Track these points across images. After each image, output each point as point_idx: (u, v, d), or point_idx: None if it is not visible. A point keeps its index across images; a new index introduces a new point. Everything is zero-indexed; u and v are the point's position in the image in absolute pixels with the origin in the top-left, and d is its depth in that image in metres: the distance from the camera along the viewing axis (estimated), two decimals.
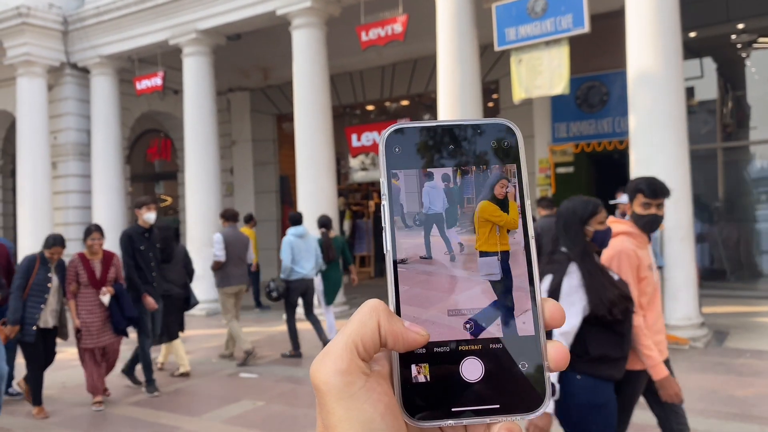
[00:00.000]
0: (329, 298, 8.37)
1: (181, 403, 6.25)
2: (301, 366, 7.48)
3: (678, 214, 8.04)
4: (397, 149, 0.49)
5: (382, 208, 0.48)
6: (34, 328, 5.85)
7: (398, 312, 0.46)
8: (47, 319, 5.96)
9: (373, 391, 0.43)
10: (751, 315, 9.66)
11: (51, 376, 6.68)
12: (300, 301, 7.94)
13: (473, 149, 0.49)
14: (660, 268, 8.02)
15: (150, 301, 6.50)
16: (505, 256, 0.47)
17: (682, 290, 8.01)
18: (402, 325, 0.44)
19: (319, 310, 8.68)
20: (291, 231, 7.83)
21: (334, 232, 8.90)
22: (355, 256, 16.78)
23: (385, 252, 0.47)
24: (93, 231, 6.12)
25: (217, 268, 7.89)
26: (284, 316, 8.20)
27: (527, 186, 0.49)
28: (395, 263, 0.47)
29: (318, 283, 8.22)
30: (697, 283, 8.33)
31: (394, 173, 0.48)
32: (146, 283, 6.55)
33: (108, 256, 6.20)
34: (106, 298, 6.02)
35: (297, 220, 8.06)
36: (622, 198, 8.19)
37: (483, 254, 0.47)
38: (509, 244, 0.48)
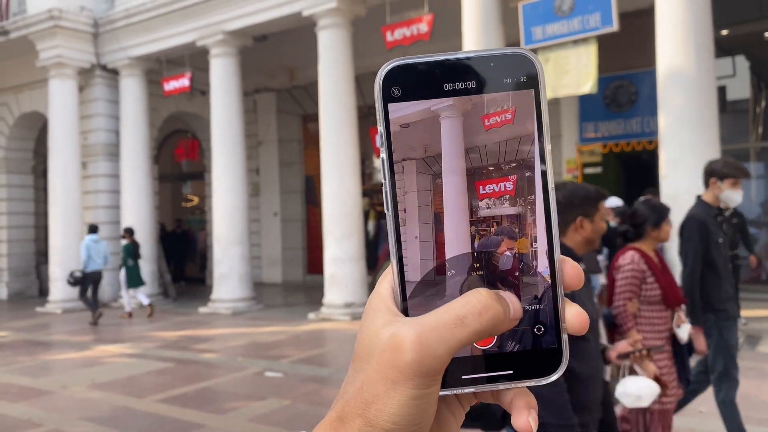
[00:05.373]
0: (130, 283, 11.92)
1: (206, 401, 6.30)
2: (326, 366, 7.50)
3: None
4: (396, 91, 0.42)
5: (381, 161, 0.42)
6: None
7: (402, 275, 0.42)
8: None
9: None
10: None
11: None
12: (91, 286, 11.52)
13: (486, 86, 0.42)
14: None
15: (702, 344, 3.91)
16: (521, 212, 0.43)
17: None
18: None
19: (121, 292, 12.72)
20: (88, 237, 11.57)
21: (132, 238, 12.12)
22: (379, 257, 16.77)
23: (385, 211, 0.42)
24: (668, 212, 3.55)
25: None
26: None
27: (547, 125, 0.42)
28: (397, 223, 0.42)
29: (122, 273, 11.92)
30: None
31: (393, 119, 0.42)
32: (722, 302, 3.98)
33: (660, 257, 3.65)
34: (684, 331, 3.52)
35: (93, 229, 11.76)
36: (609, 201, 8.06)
37: (496, 211, 0.43)
38: (526, 197, 0.43)
